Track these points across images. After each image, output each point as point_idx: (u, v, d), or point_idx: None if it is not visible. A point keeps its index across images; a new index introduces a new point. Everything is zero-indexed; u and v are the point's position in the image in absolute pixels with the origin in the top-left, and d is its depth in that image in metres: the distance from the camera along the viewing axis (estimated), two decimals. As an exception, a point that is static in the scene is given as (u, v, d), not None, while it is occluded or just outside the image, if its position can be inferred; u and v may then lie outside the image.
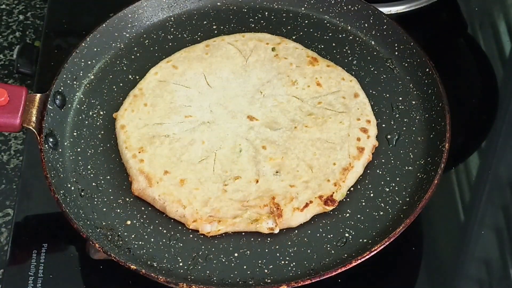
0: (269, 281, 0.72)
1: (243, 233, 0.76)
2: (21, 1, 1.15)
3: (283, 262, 0.74)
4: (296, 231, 0.76)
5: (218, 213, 0.76)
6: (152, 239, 0.75)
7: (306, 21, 0.95)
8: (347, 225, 0.77)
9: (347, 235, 0.76)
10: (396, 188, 0.79)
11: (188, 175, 0.79)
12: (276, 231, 0.76)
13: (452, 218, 0.88)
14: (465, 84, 1.00)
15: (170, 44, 0.93)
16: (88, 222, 0.76)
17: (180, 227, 0.76)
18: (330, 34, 0.93)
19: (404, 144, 0.83)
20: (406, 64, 0.90)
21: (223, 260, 0.74)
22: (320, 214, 0.77)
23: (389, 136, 0.84)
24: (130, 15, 0.93)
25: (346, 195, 0.79)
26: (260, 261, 0.74)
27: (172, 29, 0.94)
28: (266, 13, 0.96)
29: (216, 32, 0.94)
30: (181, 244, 0.75)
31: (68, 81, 0.86)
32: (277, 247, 0.75)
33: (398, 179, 0.80)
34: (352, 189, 0.80)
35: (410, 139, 0.84)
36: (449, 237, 0.87)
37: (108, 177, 0.81)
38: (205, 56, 0.90)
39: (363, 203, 0.79)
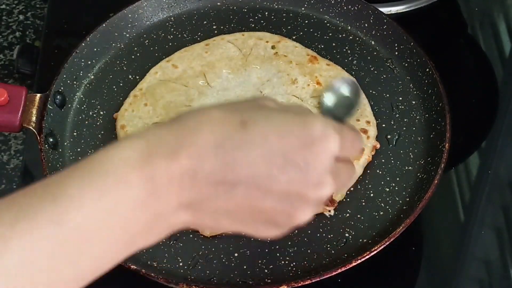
0: (269, 281, 0.72)
1: (243, 233, 0.76)
2: (21, 1, 1.16)
3: (283, 262, 0.74)
4: (296, 231, 0.76)
5: (218, 213, 0.76)
6: (152, 239, 0.75)
7: (306, 21, 0.95)
8: (347, 225, 0.77)
9: (347, 235, 0.76)
10: (396, 188, 0.79)
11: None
12: (276, 231, 0.76)
13: (452, 218, 0.88)
14: (465, 84, 1.00)
15: (170, 44, 0.93)
16: (88, 222, 0.76)
17: (180, 227, 0.76)
18: (330, 34, 0.94)
19: (404, 144, 0.83)
20: (406, 64, 0.90)
21: (223, 260, 0.74)
22: (320, 214, 0.77)
23: (389, 136, 0.84)
24: (130, 15, 0.93)
25: (346, 195, 0.79)
26: (260, 261, 0.74)
27: (172, 29, 0.94)
28: (266, 13, 0.96)
29: (216, 32, 0.94)
30: (181, 244, 0.75)
31: (68, 81, 0.87)
32: (277, 247, 0.75)
33: (398, 179, 0.80)
34: (352, 189, 0.80)
35: (410, 139, 0.84)
36: (449, 237, 0.87)
37: (108, 177, 0.80)
38: (205, 55, 0.90)
39: (363, 203, 0.79)
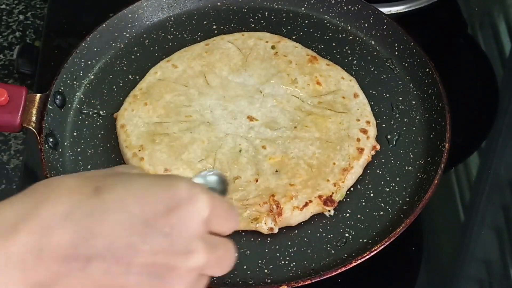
0: (269, 281, 0.72)
1: (243, 233, 0.76)
2: (21, 1, 1.16)
3: (283, 262, 0.74)
4: (296, 231, 0.76)
5: (218, 213, 0.76)
6: (152, 239, 0.75)
7: (306, 21, 0.95)
8: (347, 225, 0.77)
9: (347, 235, 0.76)
10: (396, 188, 0.79)
11: (188, 174, 0.79)
12: (276, 230, 0.76)
13: (452, 218, 0.88)
14: (465, 84, 1.00)
15: (170, 44, 0.93)
16: (88, 222, 0.76)
17: (180, 227, 0.76)
18: (330, 34, 0.94)
19: (404, 144, 0.83)
20: (406, 64, 0.90)
21: (223, 260, 0.74)
22: (320, 214, 0.77)
23: (389, 136, 0.84)
24: (130, 15, 0.93)
25: (346, 195, 0.79)
26: (260, 261, 0.74)
27: (172, 29, 0.94)
28: (266, 13, 0.96)
29: (216, 32, 0.94)
30: (181, 244, 0.75)
31: (68, 81, 0.87)
32: (277, 247, 0.75)
33: (398, 179, 0.80)
34: (352, 189, 0.80)
35: (410, 139, 0.84)
36: (449, 237, 0.87)
37: (108, 177, 0.80)
38: (204, 55, 0.90)
39: (363, 203, 0.79)
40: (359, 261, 0.72)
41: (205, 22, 0.95)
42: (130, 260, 0.46)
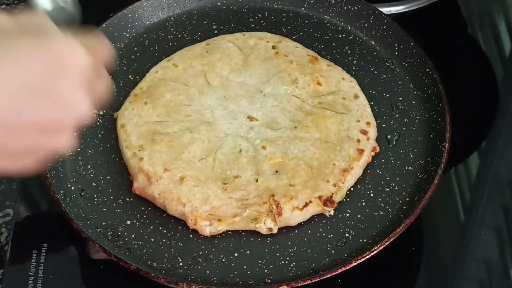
0: (269, 281, 0.72)
1: (243, 233, 0.76)
2: (21, 1, 1.16)
3: (283, 262, 0.74)
4: (296, 231, 0.76)
5: (218, 211, 0.76)
6: (152, 239, 0.75)
7: (306, 21, 0.95)
8: (347, 225, 0.77)
9: (347, 235, 0.76)
10: (396, 188, 0.79)
11: (188, 173, 0.79)
12: (275, 231, 0.76)
13: (452, 218, 0.88)
14: (465, 84, 1.00)
15: (170, 44, 0.93)
16: (88, 222, 0.76)
17: (180, 227, 0.76)
18: (330, 34, 0.94)
19: (404, 144, 0.83)
20: (406, 64, 0.90)
21: (223, 260, 0.74)
22: (320, 214, 0.77)
23: (389, 136, 0.84)
24: (130, 15, 0.93)
25: (346, 195, 0.79)
26: (260, 261, 0.74)
27: (172, 29, 0.94)
28: (266, 13, 0.96)
29: (216, 32, 0.94)
30: (181, 244, 0.75)
31: (68, 81, 0.86)
32: (277, 247, 0.75)
33: (398, 179, 0.80)
34: (352, 189, 0.80)
35: (410, 139, 0.84)
36: (449, 237, 0.87)
37: (108, 177, 0.80)
38: (205, 54, 0.90)
39: (363, 203, 0.79)
40: (359, 261, 0.72)
41: (205, 22, 0.95)
42: (17, 124, 0.47)
